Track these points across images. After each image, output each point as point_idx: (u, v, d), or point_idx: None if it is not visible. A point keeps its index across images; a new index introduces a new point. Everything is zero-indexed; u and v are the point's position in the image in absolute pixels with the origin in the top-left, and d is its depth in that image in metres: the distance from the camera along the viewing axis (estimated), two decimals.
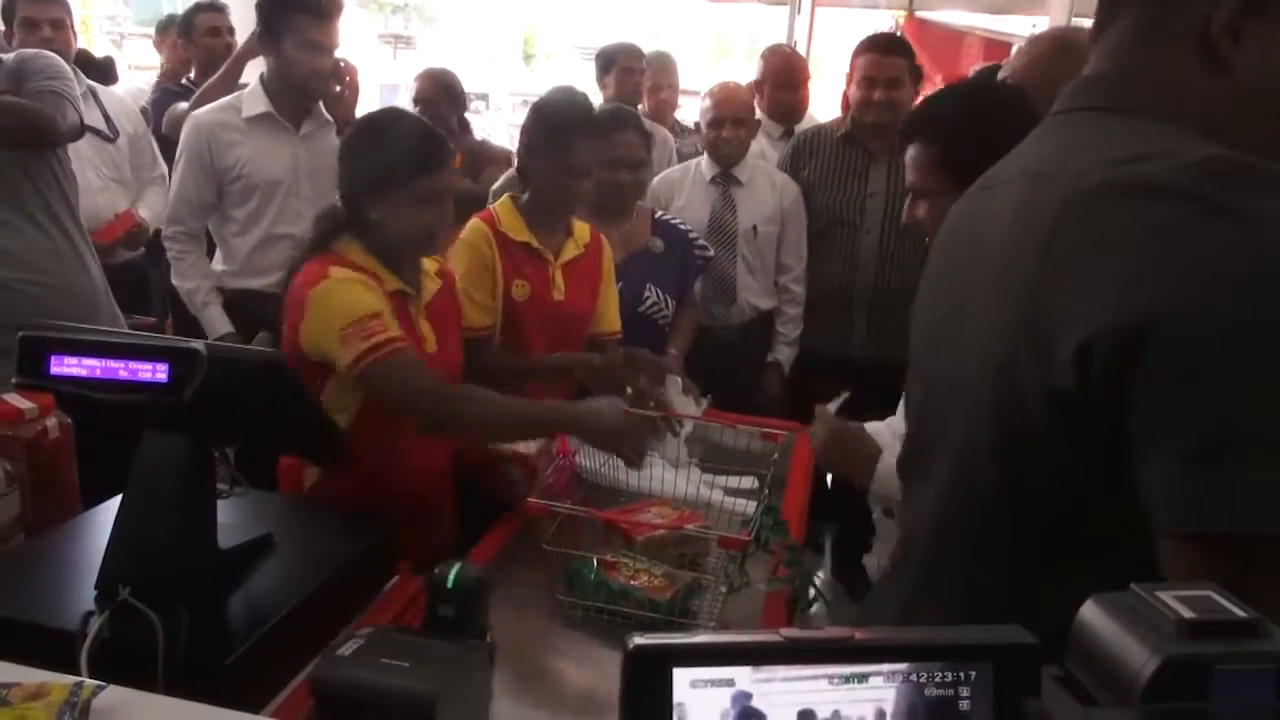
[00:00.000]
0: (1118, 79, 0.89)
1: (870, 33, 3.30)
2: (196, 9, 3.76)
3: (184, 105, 3.26)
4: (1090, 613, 0.46)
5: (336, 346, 1.64)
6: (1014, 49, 2.39)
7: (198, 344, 1.18)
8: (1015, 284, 0.85)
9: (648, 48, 4.16)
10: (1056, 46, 1.81)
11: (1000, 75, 1.92)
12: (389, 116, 1.90)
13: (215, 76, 3.19)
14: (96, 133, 3.18)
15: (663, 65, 4.06)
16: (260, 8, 2.67)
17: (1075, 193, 0.81)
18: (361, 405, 1.76)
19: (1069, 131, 0.91)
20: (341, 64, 2.75)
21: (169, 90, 3.77)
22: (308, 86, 2.68)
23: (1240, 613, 0.44)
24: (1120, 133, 0.85)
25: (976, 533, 0.94)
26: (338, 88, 2.75)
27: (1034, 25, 6.75)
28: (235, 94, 2.75)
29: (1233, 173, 0.75)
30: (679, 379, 2.31)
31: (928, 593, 1.02)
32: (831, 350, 2.96)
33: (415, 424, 1.77)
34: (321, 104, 2.76)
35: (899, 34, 6.52)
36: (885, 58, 2.92)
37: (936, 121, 1.53)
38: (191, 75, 3.79)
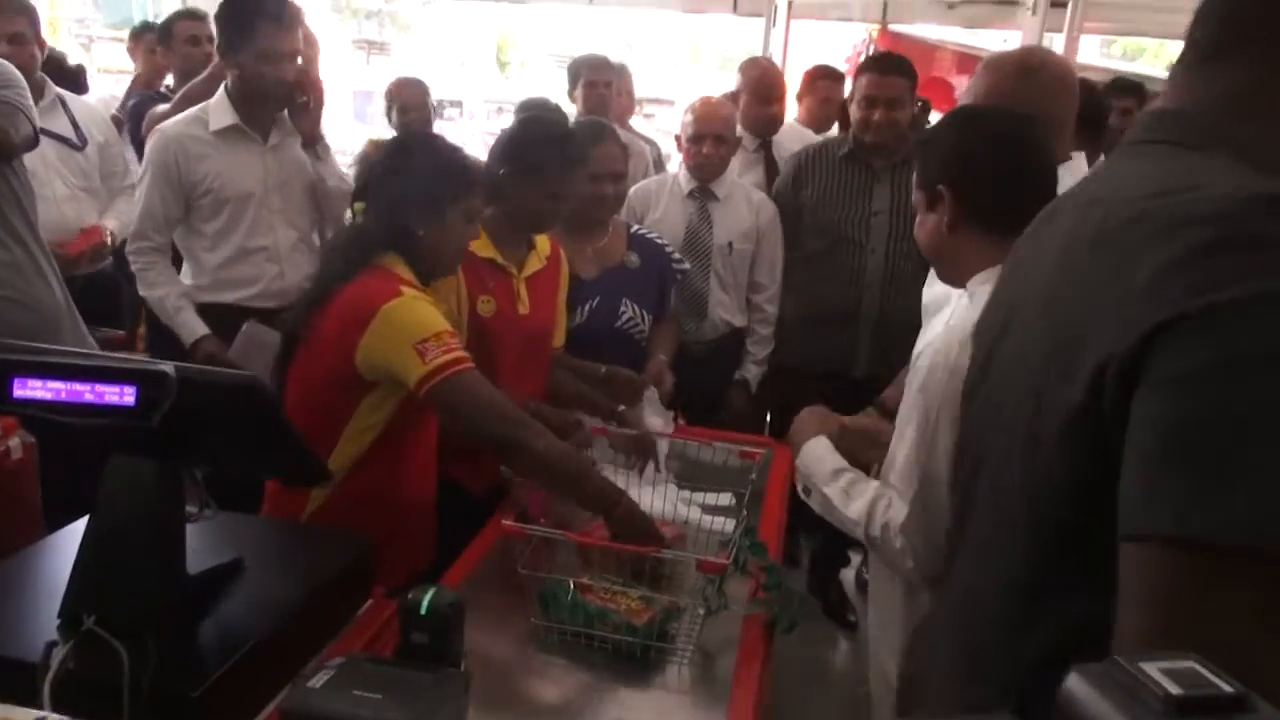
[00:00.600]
0: (1201, 115, 0.90)
1: (876, 52, 3.31)
2: (177, 16, 3.72)
3: (165, 107, 3.19)
4: (1074, 685, 0.45)
5: (409, 360, 1.64)
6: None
7: (167, 366, 1.15)
8: (1052, 313, 0.88)
9: (621, 57, 4.17)
10: (1020, 70, 1.83)
11: (964, 99, 1.93)
12: (428, 137, 1.96)
13: (199, 79, 3.11)
14: (64, 141, 3.13)
15: (617, 74, 4.05)
16: (219, 18, 2.62)
17: (1110, 223, 0.83)
18: (386, 425, 1.76)
19: (1132, 163, 0.92)
20: (306, 74, 2.69)
21: (147, 97, 3.72)
22: (271, 96, 2.63)
23: (1227, 687, 0.43)
24: (1181, 167, 0.86)
25: (1012, 557, 0.95)
26: (303, 98, 2.69)
27: (1004, 40, 6.83)
28: (200, 105, 2.69)
29: (1262, 201, 0.75)
30: (656, 395, 2.30)
31: (975, 620, 1.03)
32: (835, 368, 2.95)
33: (474, 442, 1.78)
34: (287, 114, 2.71)
35: (873, 45, 6.60)
36: (885, 78, 2.93)
37: (930, 142, 1.56)
38: (170, 83, 3.75)
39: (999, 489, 0.97)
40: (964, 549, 1.07)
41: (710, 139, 2.94)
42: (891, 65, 3.00)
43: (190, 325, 2.60)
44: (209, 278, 2.67)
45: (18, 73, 2.37)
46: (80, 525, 1.26)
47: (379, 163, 1.87)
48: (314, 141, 2.74)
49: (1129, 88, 3.80)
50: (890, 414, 2.01)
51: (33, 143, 2.38)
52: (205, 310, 2.64)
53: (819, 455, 1.64)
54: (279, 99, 2.65)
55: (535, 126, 2.19)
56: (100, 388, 1.13)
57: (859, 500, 1.52)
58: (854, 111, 3.00)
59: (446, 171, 1.80)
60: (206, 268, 2.67)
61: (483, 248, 2.13)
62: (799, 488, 1.65)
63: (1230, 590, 0.69)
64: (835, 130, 4.14)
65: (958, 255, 1.50)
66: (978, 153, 1.48)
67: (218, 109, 2.63)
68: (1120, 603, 0.74)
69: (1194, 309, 0.72)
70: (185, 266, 2.74)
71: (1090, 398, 0.78)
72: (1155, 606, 0.72)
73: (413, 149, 1.87)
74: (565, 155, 2.12)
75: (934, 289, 1.96)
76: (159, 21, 4.14)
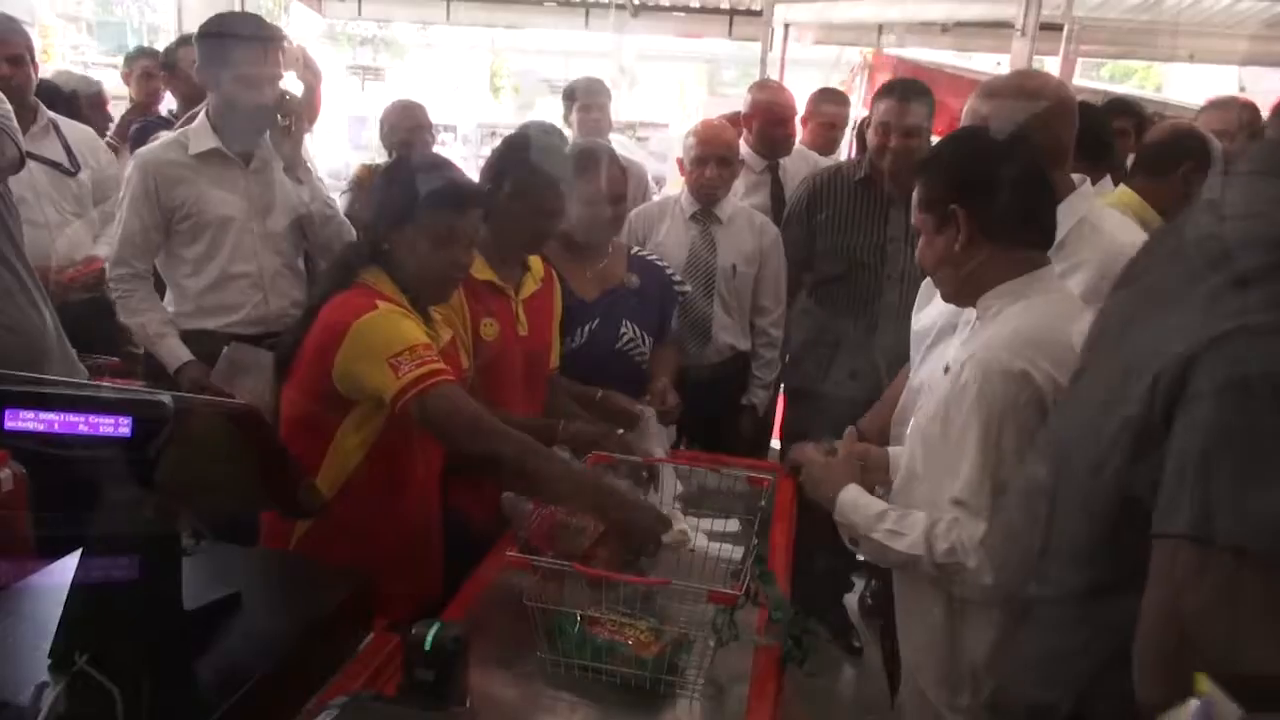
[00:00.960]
0: None
1: (895, 78, 3.29)
2: (180, 42, 3.72)
3: (167, 134, 3.18)
4: None
5: (382, 375, 1.60)
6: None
7: (163, 396, 1.12)
8: (1128, 332, 0.95)
9: (614, 82, 4.15)
10: (1017, 95, 1.85)
11: (962, 124, 1.92)
12: (424, 156, 1.96)
13: (202, 107, 3.11)
14: (56, 166, 3.10)
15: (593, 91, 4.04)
16: (199, 41, 2.60)
17: (1184, 249, 0.90)
18: (371, 448, 1.73)
19: (1227, 192, 0.97)
20: (286, 97, 2.65)
21: (152, 123, 3.71)
22: (250, 120, 2.58)
23: None
24: (1269, 195, 0.89)
25: (1078, 561, 1.01)
26: (284, 121, 2.63)
27: (997, 64, 6.86)
28: (181, 130, 2.65)
29: None
30: (654, 419, 2.27)
31: (1046, 625, 1.07)
32: (852, 393, 2.91)
33: (456, 458, 1.76)
34: (268, 137, 2.66)
35: (868, 69, 6.61)
36: (904, 105, 2.87)
37: (934, 164, 1.58)
38: (174, 109, 3.74)
39: (1071, 500, 1.02)
40: (1045, 555, 1.09)
41: (713, 161, 2.92)
42: (911, 92, 2.93)
43: (174, 351, 2.55)
44: (191, 304, 2.61)
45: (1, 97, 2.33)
46: (72, 560, 1.21)
47: (374, 180, 1.86)
48: (296, 165, 2.70)
49: (1126, 108, 3.79)
50: (868, 440, 1.99)
51: (18, 165, 2.34)
52: (188, 338, 2.59)
53: (854, 502, 1.63)
54: (259, 122, 2.60)
55: (523, 144, 2.17)
56: (95, 419, 1.09)
57: (911, 534, 1.50)
58: (870, 137, 2.96)
59: (435, 186, 1.77)
60: (189, 294, 2.61)
61: (480, 270, 2.11)
62: (845, 540, 1.65)
63: (1242, 586, 0.76)
64: (840, 153, 4.13)
65: (972, 272, 1.52)
66: (986, 170, 1.52)
67: (198, 133, 2.59)
68: (1147, 592, 0.83)
69: (1235, 329, 0.78)
70: (168, 294, 2.68)
71: (1145, 410, 0.84)
72: (1175, 597, 0.80)
73: (406, 165, 1.86)
74: (554, 171, 2.11)
75: (923, 318, 1.96)
76: (155, 47, 4.14)
